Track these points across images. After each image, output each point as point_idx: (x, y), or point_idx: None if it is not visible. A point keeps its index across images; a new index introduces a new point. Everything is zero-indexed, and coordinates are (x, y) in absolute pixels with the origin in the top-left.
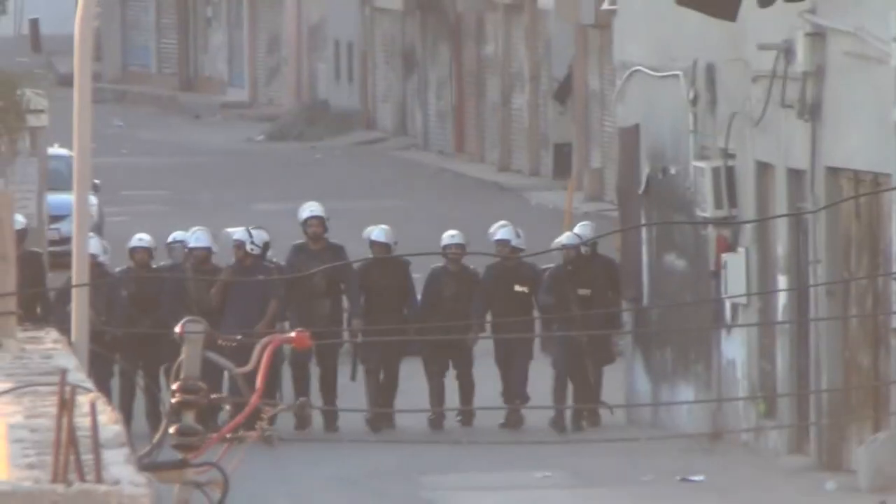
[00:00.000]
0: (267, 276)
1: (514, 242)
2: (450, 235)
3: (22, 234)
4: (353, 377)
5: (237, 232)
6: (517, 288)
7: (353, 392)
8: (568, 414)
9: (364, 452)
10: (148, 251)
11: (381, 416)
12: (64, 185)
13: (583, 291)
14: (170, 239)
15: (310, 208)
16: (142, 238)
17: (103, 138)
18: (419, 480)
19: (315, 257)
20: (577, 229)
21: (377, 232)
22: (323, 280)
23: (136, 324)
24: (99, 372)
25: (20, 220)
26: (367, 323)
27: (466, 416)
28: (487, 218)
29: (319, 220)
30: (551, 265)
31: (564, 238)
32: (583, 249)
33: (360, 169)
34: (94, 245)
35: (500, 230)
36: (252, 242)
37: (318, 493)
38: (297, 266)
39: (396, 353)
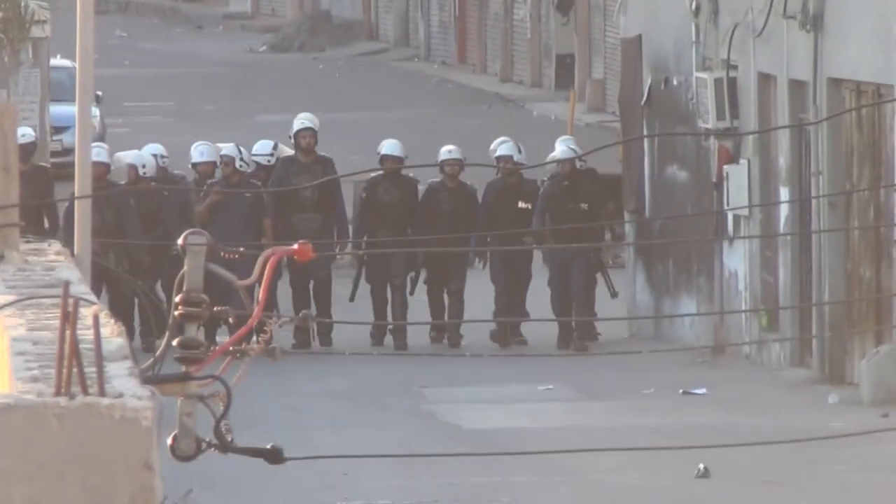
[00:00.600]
0: (254, 192)
1: (517, 158)
2: (447, 150)
3: (31, 149)
4: (351, 298)
5: (226, 147)
6: (521, 205)
7: (351, 307)
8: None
9: (366, 366)
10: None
11: (384, 332)
12: (66, 97)
13: (582, 205)
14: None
15: (301, 120)
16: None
17: (106, 49)
18: (420, 393)
19: (305, 170)
20: (564, 143)
21: (389, 145)
22: (313, 193)
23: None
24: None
25: (29, 133)
26: (372, 239)
27: (454, 335)
28: (489, 129)
29: (311, 133)
30: (545, 179)
31: (559, 153)
32: (578, 164)
33: (361, 80)
34: (101, 153)
35: (502, 146)
36: (241, 159)
37: (319, 406)
38: (287, 179)
39: (403, 270)
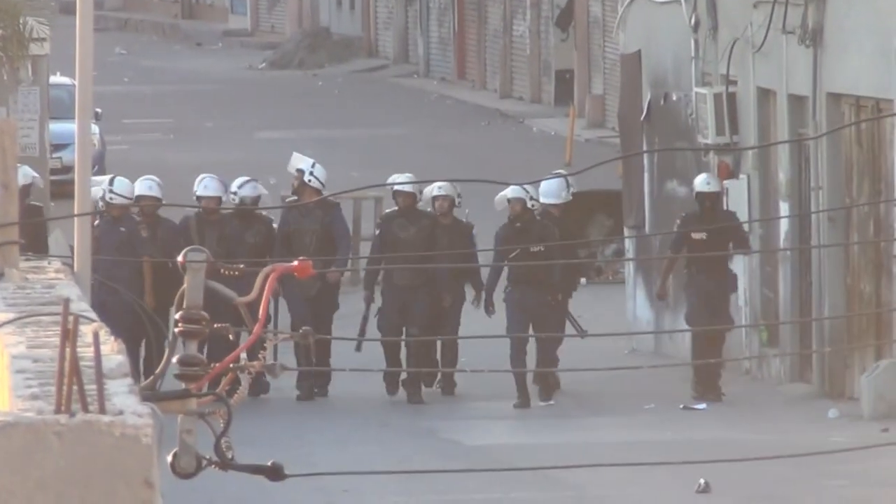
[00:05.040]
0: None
1: (529, 204)
2: (437, 187)
3: (25, 190)
4: (358, 348)
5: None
6: (532, 249)
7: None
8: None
9: (366, 384)
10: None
11: (397, 381)
12: (66, 114)
13: (536, 248)
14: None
15: (299, 163)
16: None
17: (105, 66)
18: (421, 409)
19: (305, 214)
20: (515, 192)
21: (400, 179)
22: (314, 239)
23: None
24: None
25: (30, 173)
26: (388, 279)
27: (448, 384)
28: (488, 145)
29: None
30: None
31: (509, 192)
32: (530, 204)
33: (361, 96)
34: (152, 187)
35: (512, 188)
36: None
37: (320, 422)
38: (291, 224)
39: (426, 312)
